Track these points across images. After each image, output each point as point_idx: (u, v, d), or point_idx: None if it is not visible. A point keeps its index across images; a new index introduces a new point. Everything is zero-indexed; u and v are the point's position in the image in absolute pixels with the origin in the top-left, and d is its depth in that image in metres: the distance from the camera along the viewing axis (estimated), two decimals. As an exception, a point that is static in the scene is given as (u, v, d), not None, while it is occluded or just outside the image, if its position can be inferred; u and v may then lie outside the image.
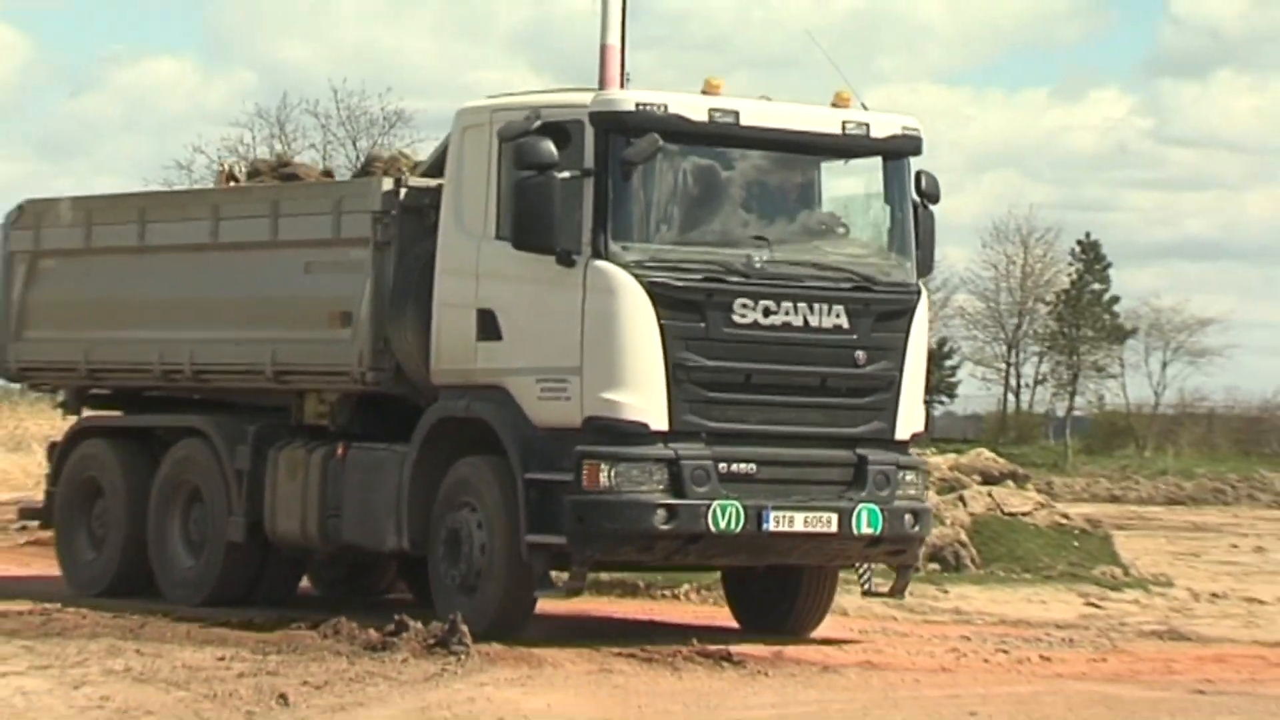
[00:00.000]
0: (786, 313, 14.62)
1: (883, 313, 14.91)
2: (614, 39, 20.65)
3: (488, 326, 14.95)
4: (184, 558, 17.41)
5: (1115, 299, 65.78)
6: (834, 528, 14.56)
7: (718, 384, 14.40)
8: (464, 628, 15.28)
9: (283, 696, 12.32)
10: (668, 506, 14.15)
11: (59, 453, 18.93)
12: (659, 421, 14.18)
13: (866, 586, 15.86)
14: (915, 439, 15.14)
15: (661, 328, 14.18)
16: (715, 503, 14.21)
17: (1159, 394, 58.91)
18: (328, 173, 17.18)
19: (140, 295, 18.08)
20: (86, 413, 19.77)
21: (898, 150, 15.34)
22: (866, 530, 14.65)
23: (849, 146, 15.27)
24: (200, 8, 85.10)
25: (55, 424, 56.52)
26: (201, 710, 12.01)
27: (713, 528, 14.16)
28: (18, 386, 57.13)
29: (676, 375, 14.22)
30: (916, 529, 14.97)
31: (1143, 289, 60.11)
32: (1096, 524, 24.48)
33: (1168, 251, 79.75)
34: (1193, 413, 57.44)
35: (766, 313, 14.55)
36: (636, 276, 14.16)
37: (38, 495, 33.31)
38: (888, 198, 15.41)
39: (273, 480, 16.40)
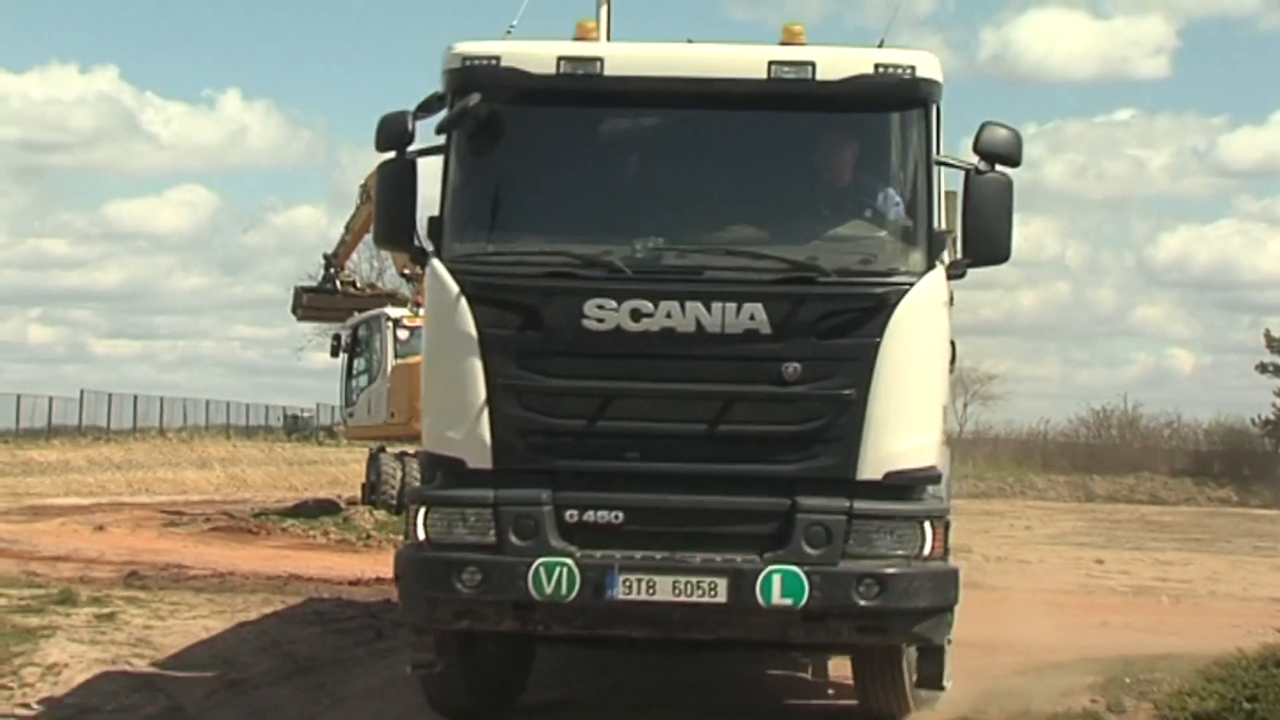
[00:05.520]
0: (668, 315, 8.55)
1: (833, 312, 8.62)
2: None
3: None
4: None
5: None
6: (722, 596, 8.53)
7: (563, 409, 8.68)
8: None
9: (379, 632, 12.99)
10: (479, 565, 8.61)
11: None
12: (479, 457, 8.69)
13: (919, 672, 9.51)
14: (900, 478, 8.63)
15: (482, 338, 8.66)
16: (538, 561, 8.55)
17: (962, 425, 61.12)
18: None
19: None
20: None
21: (872, 99, 8.76)
22: (781, 600, 8.49)
23: (785, 95, 8.72)
24: (329, 172, 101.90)
25: (230, 449, 57.15)
26: (325, 639, 12.75)
27: (535, 593, 8.55)
28: (184, 424, 57.30)
29: (502, 399, 8.65)
30: (879, 600, 8.51)
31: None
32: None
33: (969, 330, 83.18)
34: (984, 437, 59.59)
35: (637, 316, 8.57)
36: (457, 275, 8.74)
37: (216, 498, 34.76)
38: (870, 161, 9.04)
39: None
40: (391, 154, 8.94)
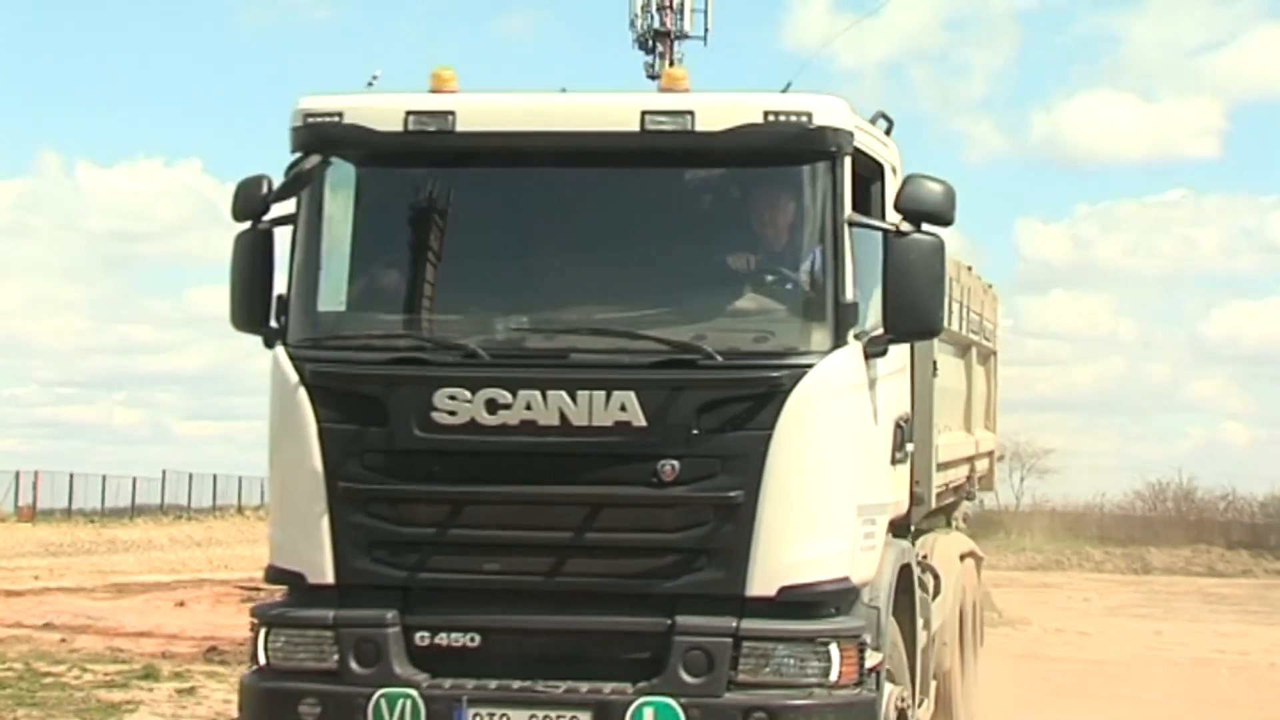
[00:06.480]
0: (528, 406, 7.14)
1: (717, 400, 7.12)
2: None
3: None
4: None
5: (988, 433, 67.70)
6: None
7: (411, 516, 7.35)
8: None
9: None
10: (318, 695, 7.32)
11: None
12: (319, 571, 7.40)
13: None
14: (798, 593, 7.11)
15: (322, 435, 7.36)
16: (379, 693, 7.27)
17: (1019, 498, 60.73)
18: None
19: None
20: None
21: (763, 151, 7.28)
22: None
23: (662, 150, 7.28)
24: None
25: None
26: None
27: None
28: (261, 502, 58.34)
29: (343, 505, 7.35)
30: None
31: (1008, 430, 62.85)
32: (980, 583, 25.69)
33: (1024, 406, 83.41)
34: (1040, 509, 59.19)
35: (493, 407, 7.15)
36: (296, 362, 7.44)
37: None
38: (766, 223, 7.51)
39: None
40: (247, 224, 7.64)
